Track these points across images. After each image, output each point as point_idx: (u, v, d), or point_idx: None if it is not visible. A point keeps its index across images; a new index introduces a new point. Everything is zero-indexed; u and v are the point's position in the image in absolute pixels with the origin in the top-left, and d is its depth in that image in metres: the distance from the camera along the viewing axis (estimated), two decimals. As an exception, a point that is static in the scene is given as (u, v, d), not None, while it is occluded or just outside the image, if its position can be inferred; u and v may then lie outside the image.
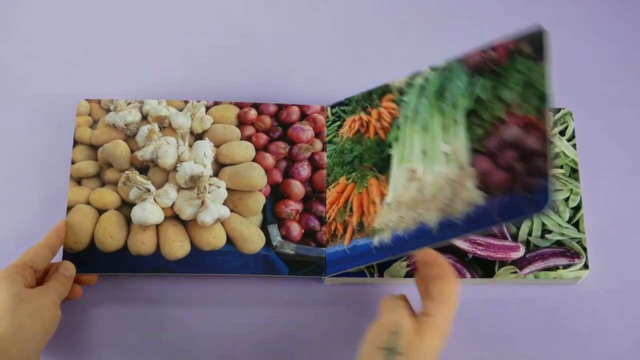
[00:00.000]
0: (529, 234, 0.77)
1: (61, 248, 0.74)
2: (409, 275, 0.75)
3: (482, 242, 0.76)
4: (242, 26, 0.88)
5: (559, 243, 0.76)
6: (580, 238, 0.77)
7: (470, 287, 0.78)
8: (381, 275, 0.75)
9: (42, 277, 0.72)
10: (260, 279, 0.77)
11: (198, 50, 0.87)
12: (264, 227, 0.77)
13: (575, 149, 0.80)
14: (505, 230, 0.77)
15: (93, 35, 0.87)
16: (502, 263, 0.76)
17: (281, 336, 0.75)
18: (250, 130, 0.80)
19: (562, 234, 0.77)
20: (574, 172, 0.79)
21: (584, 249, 0.76)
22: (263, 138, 0.80)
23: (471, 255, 0.76)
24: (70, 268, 0.73)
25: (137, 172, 0.77)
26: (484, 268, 0.75)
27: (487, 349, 0.76)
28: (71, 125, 0.81)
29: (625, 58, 0.88)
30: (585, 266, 0.76)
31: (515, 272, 0.75)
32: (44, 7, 0.88)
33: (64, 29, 0.87)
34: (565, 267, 0.76)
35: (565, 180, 0.79)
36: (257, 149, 0.79)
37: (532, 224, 0.77)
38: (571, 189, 0.78)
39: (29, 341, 0.65)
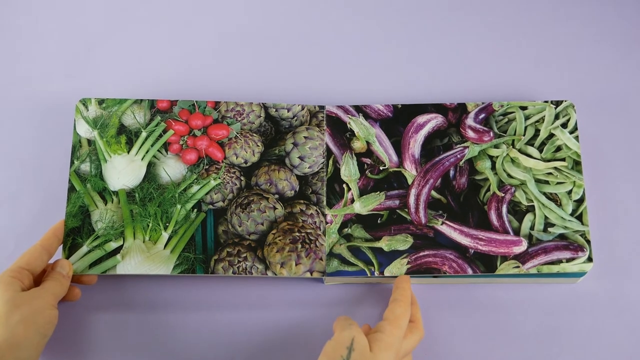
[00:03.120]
0: (532, 227, 0.75)
1: (59, 248, 0.74)
2: (409, 272, 0.74)
3: (483, 237, 0.74)
4: (242, 26, 0.88)
5: (562, 236, 0.75)
6: (584, 231, 0.75)
7: (470, 286, 0.77)
8: (382, 273, 0.74)
9: (40, 278, 0.72)
10: (260, 279, 0.77)
11: (198, 49, 0.87)
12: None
13: (577, 141, 0.78)
14: (507, 224, 0.75)
15: (93, 35, 0.88)
16: (504, 258, 0.74)
17: (282, 337, 0.75)
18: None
19: (565, 227, 0.75)
20: (576, 165, 0.77)
21: (588, 241, 0.75)
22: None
23: (472, 251, 0.74)
24: (66, 266, 0.72)
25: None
26: (485, 263, 0.74)
27: (487, 348, 0.74)
28: (71, 125, 0.81)
29: (629, 50, 0.86)
30: (589, 259, 0.74)
31: (518, 267, 0.73)
32: (44, 7, 0.89)
33: (63, 28, 0.88)
34: (568, 260, 0.74)
35: (568, 173, 0.77)
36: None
37: (535, 218, 0.75)
38: (574, 182, 0.77)
39: (24, 348, 0.65)
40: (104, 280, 0.76)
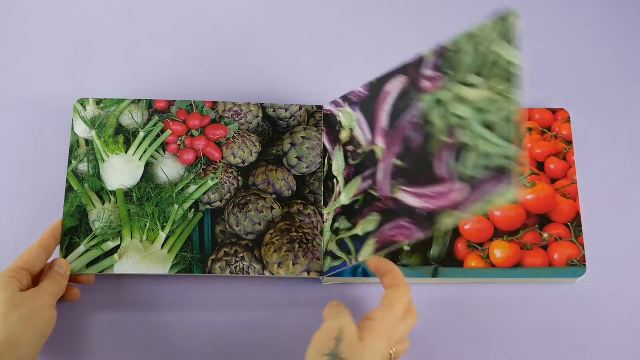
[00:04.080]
0: (471, 167, 0.63)
1: (58, 248, 0.74)
2: (376, 251, 0.70)
3: (432, 194, 0.65)
4: (241, 26, 0.89)
5: (499, 169, 0.60)
6: (513, 155, 0.60)
7: (470, 286, 0.77)
8: (357, 260, 0.72)
9: (38, 277, 0.72)
10: (259, 279, 0.77)
11: (198, 50, 0.87)
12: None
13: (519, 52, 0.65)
14: (452, 172, 0.65)
15: (92, 35, 0.88)
16: (447, 211, 0.63)
17: (280, 337, 0.75)
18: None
19: (502, 156, 0.61)
20: (512, 77, 0.63)
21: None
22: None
23: (424, 212, 0.66)
24: (64, 265, 0.73)
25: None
26: (430, 220, 0.65)
27: (487, 348, 0.74)
28: (69, 125, 0.81)
29: (625, 58, 0.86)
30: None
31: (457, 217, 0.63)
32: (44, 8, 0.89)
33: (63, 29, 0.88)
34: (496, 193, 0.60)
35: (503, 91, 0.64)
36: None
37: (475, 156, 0.63)
38: (510, 99, 0.62)
39: (22, 348, 0.65)
40: (102, 280, 0.76)
